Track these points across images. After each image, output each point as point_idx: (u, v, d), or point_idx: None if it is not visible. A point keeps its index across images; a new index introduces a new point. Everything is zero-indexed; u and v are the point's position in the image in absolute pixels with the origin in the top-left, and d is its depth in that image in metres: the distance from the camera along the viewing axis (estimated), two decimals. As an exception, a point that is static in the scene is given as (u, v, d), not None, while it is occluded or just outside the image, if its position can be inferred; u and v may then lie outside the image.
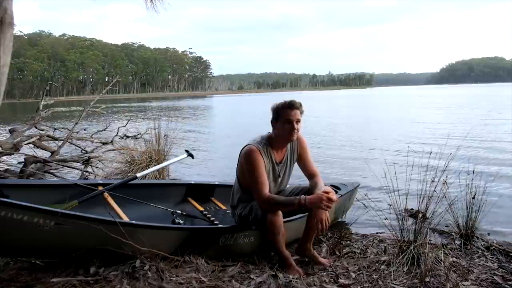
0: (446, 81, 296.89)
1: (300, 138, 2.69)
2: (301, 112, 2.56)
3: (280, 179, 2.66)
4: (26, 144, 6.67)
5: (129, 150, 5.34)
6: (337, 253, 2.87)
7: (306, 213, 2.70)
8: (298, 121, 2.52)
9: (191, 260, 2.41)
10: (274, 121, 2.56)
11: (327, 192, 2.41)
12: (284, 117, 2.51)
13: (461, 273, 2.35)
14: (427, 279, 2.24)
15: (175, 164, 4.40)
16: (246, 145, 2.55)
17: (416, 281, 2.25)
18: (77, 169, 5.80)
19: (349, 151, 8.47)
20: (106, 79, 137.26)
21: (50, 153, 6.82)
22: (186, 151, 3.86)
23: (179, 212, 2.99)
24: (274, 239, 2.45)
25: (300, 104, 2.55)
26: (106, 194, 2.85)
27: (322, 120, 16.53)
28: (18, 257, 2.41)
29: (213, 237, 2.60)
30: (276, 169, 2.61)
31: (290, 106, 2.51)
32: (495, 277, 2.38)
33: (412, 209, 3.40)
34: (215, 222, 2.99)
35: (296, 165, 2.75)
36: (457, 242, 2.96)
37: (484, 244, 2.90)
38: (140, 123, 14.65)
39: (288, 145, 2.66)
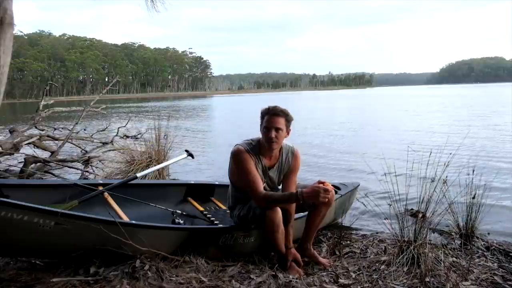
0: (446, 81, 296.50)
1: (296, 154, 2.65)
2: (288, 121, 2.49)
3: (270, 184, 2.62)
4: (26, 144, 6.68)
5: (129, 150, 5.33)
6: (337, 253, 2.87)
7: (306, 213, 2.71)
8: (277, 129, 2.44)
9: (191, 260, 2.41)
10: (260, 126, 2.54)
11: (322, 183, 2.37)
12: (264, 123, 2.48)
13: (461, 273, 2.35)
14: (427, 279, 2.24)
15: (175, 164, 4.39)
16: (235, 146, 2.54)
17: (416, 281, 2.25)
18: (77, 169, 5.80)
19: (349, 151, 8.47)
20: (106, 79, 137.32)
21: (50, 153, 6.82)
22: (186, 151, 3.86)
23: (179, 212, 2.99)
24: (273, 236, 2.44)
25: (283, 112, 2.47)
26: (106, 194, 2.84)
27: (321, 120, 16.53)
28: (18, 257, 2.41)
29: (213, 237, 2.60)
30: (266, 174, 2.58)
31: (269, 112, 2.47)
32: (495, 277, 2.38)
33: (412, 209, 3.40)
34: (215, 222, 2.99)
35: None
36: (457, 242, 2.96)
37: (484, 244, 2.91)
38: (140, 123, 14.65)
39: (283, 154, 2.61)
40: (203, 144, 10.35)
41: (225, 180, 3.74)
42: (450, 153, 2.92)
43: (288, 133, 2.54)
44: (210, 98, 74.54)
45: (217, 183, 3.65)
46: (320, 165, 6.85)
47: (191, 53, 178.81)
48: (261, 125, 2.52)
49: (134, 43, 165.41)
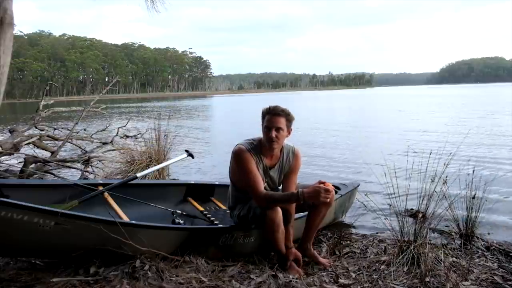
0: (446, 81, 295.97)
1: (297, 154, 2.65)
2: (289, 120, 2.49)
3: (270, 184, 2.62)
4: (26, 144, 6.68)
5: (129, 150, 5.34)
6: (337, 253, 2.87)
7: (306, 213, 2.70)
8: (278, 129, 2.44)
9: (191, 260, 2.41)
10: (261, 126, 2.53)
11: (322, 183, 2.38)
12: (265, 122, 2.49)
13: (461, 273, 2.35)
14: (427, 279, 2.24)
15: (175, 164, 4.40)
16: (236, 145, 2.54)
17: (416, 281, 2.25)
18: (77, 169, 5.80)
19: (349, 151, 8.47)
20: (106, 79, 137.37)
21: (50, 153, 6.82)
22: (186, 151, 3.85)
23: (179, 212, 2.99)
24: (273, 236, 2.44)
25: (284, 111, 2.47)
26: (106, 194, 2.84)
27: (322, 120, 16.54)
28: (18, 257, 2.41)
29: (213, 237, 2.60)
30: (267, 173, 2.58)
31: (270, 112, 2.47)
32: (495, 277, 2.38)
33: (412, 209, 3.40)
34: (215, 222, 2.99)
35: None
36: (457, 242, 2.96)
37: (484, 244, 2.91)
38: (140, 123, 14.66)
39: (284, 154, 2.61)
40: (203, 144, 10.34)
41: (225, 180, 3.75)
42: (450, 153, 2.92)
43: (289, 133, 2.54)
44: (210, 98, 74.51)
45: (217, 183, 3.65)
46: (320, 165, 6.85)
47: (191, 53, 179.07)
48: (262, 124, 2.52)
49: (134, 43, 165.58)
